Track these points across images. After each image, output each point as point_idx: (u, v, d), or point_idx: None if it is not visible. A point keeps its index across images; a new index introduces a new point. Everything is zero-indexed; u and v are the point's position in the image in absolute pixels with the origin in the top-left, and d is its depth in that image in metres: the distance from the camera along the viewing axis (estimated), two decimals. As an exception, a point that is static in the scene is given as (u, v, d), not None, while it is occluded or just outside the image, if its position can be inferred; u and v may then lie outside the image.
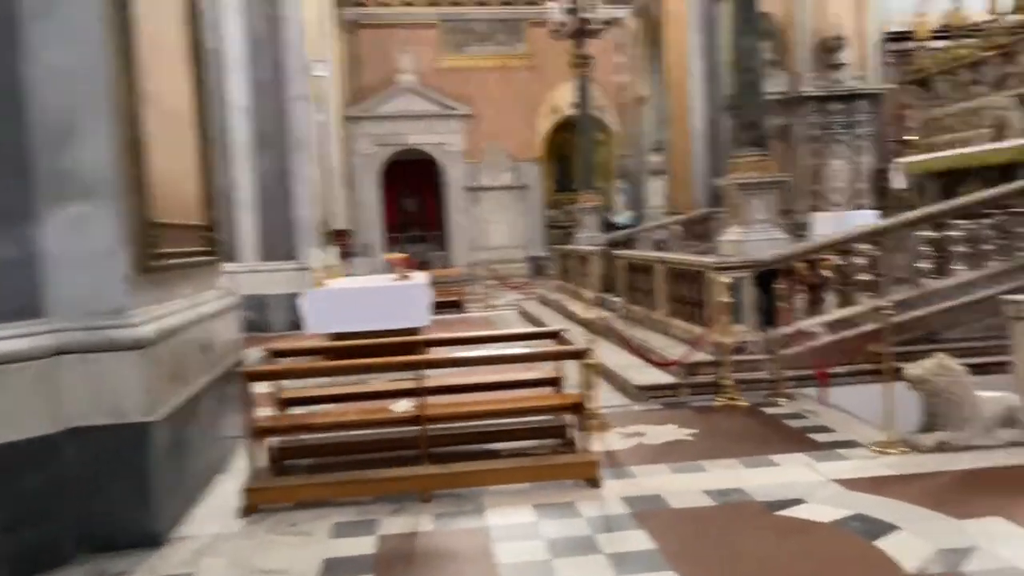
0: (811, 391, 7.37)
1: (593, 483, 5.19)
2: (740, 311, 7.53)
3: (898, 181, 13.58)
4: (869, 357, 7.55)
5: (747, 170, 7.90)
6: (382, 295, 9.42)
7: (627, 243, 15.75)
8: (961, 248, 7.74)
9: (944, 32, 16.70)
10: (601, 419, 6.55)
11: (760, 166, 7.90)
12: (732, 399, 7.24)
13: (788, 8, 16.15)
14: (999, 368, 7.60)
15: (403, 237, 25.29)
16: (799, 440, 6.07)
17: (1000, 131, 11.97)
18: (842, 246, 7.58)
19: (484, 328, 13.61)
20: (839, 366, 7.49)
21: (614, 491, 5.11)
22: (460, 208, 24.92)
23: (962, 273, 7.65)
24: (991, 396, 5.67)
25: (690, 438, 6.26)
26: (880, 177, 16.20)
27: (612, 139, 26.70)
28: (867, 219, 14.34)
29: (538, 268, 23.14)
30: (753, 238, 7.89)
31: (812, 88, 15.73)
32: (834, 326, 7.57)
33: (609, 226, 20.24)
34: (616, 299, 11.33)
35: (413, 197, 26.72)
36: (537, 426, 5.96)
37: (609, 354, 8.45)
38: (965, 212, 7.67)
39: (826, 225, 13.39)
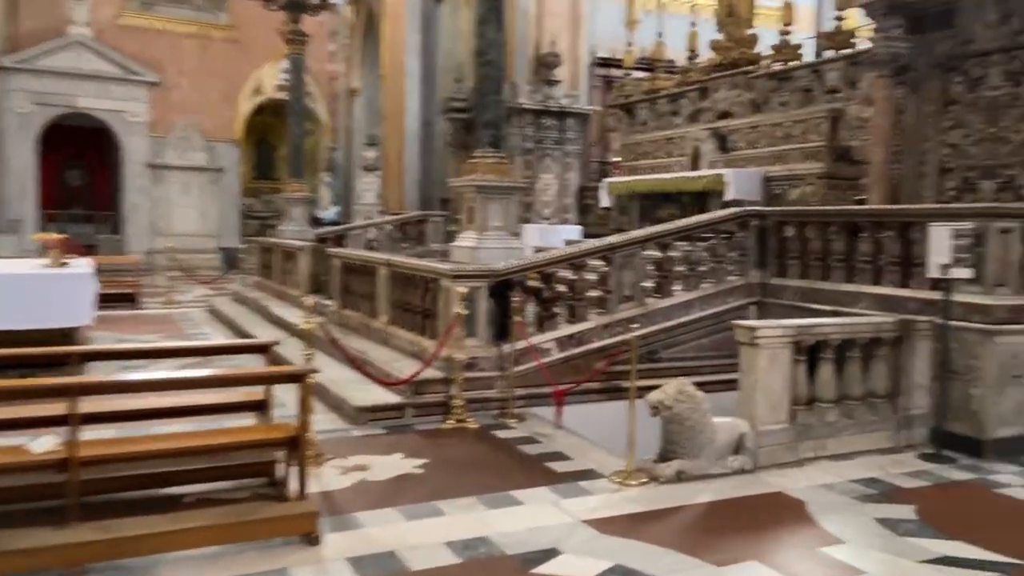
0: (543, 411, 6.94)
1: (311, 539, 4.13)
2: (474, 324, 6.88)
3: (604, 200, 14.04)
4: (595, 375, 7.36)
5: (485, 172, 7.30)
6: (25, 285, 7.36)
7: (338, 240, 14.62)
8: (680, 268, 7.85)
9: (647, 64, 17.89)
10: (316, 449, 5.47)
11: (499, 169, 7.35)
12: (462, 421, 6.55)
13: (510, 17, 16.14)
14: (709, 388, 7.81)
15: (64, 215, 21.56)
16: (538, 470, 5.51)
17: (696, 160, 12.80)
18: (576, 260, 7.28)
19: (164, 329, 11.65)
20: (570, 384, 7.15)
21: (338, 549, 4.10)
22: (139, 187, 21.81)
23: (680, 293, 7.74)
24: (724, 422, 5.56)
25: (420, 471, 5.42)
26: (584, 194, 16.82)
27: (320, 130, 25.25)
28: (572, 233, 14.73)
29: (232, 261, 20.94)
30: (489, 246, 7.30)
31: (529, 101, 15.85)
32: (564, 343, 7.22)
33: (314, 221, 18.84)
34: (328, 302, 10.19)
35: (80, 169, 22.98)
36: (235, 463, 4.72)
37: (322, 366, 7.34)
38: (687, 234, 7.79)
39: (534, 237, 13.41)
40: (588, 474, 5.46)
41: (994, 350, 5.96)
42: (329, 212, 23.12)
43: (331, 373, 7.27)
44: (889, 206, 7.77)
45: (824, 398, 5.96)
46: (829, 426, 5.98)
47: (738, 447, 5.59)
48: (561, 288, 7.36)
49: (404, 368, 7.20)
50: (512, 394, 6.83)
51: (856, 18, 12.68)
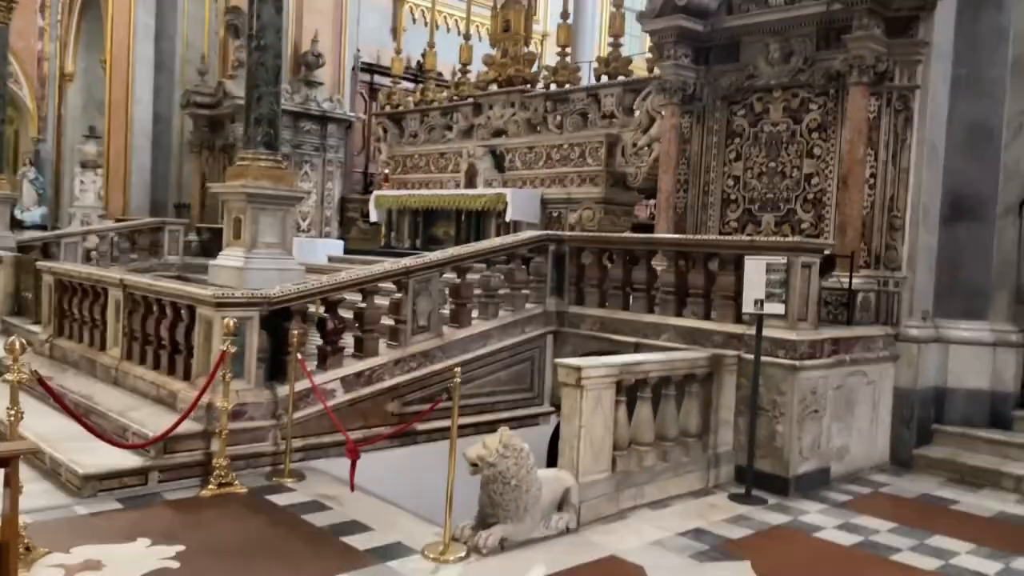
0: (329, 464, 5.87)
1: None
2: (242, 362, 5.64)
3: (372, 214, 13.08)
4: (388, 419, 6.42)
5: (258, 177, 6.10)
6: None
7: (45, 249, 12.19)
8: (478, 294, 7.16)
9: (417, 74, 17.18)
10: (24, 541, 4.01)
11: (274, 174, 6.19)
12: (227, 484, 5.30)
13: (266, 9, 14.66)
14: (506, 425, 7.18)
15: None
16: (332, 550, 4.49)
17: (471, 177, 12.28)
18: (367, 285, 6.30)
19: None
20: (360, 431, 6.15)
21: None
22: None
23: (478, 323, 7.05)
24: (548, 477, 4.91)
25: (175, 563, 4.16)
26: (346, 206, 15.70)
27: (24, 118, 21.61)
28: (333, 249, 13.59)
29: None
30: (260, 266, 6.12)
31: (287, 102, 14.42)
32: (352, 382, 6.20)
33: (13, 223, 15.80)
34: (35, 328, 8.20)
35: None
36: None
37: (28, 414, 5.65)
38: (486, 258, 7.12)
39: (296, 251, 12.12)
40: (396, 550, 4.53)
41: (797, 385, 5.92)
42: (32, 214, 19.74)
43: (42, 425, 5.63)
44: (696, 236, 7.69)
45: (642, 440, 5.54)
46: (647, 471, 5.56)
47: (562, 503, 4.96)
48: (348, 316, 6.33)
49: (146, 418, 5.75)
50: (290, 447, 5.69)
51: (631, 46, 12.93)
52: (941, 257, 7.18)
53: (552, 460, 7.73)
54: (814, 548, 4.95)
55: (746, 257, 5.68)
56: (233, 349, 5.27)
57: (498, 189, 11.27)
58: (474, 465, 4.63)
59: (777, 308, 5.62)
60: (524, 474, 4.66)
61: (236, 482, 5.35)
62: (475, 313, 7.14)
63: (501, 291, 7.29)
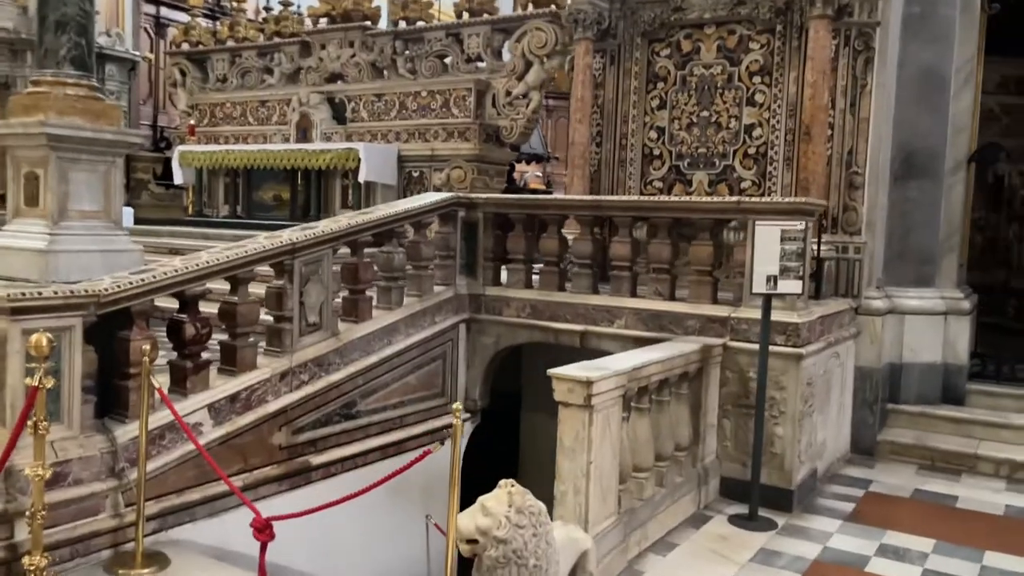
0: (196, 532, 4.05)
1: None
2: (59, 398, 3.63)
3: (177, 174, 10.67)
4: (274, 455, 4.65)
5: (65, 111, 3.99)
6: None
7: None
8: (379, 280, 5.46)
9: (217, 9, 14.53)
10: None
11: (92, 108, 4.09)
12: (49, 598, 3.33)
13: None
14: (415, 442, 5.62)
15: None
16: None
17: (305, 131, 10.28)
18: (239, 271, 4.42)
19: None
20: (239, 476, 4.35)
21: None
22: None
23: (380, 314, 5.37)
24: (563, 540, 3.47)
25: None
26: (134, 166, 12.91)
27: None
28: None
29: None
30: (75, 246, 4.06)
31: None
32: (223, 409, 4.34)
33: None
34: None
35: None
36: None
37: None
38: (387, 229, 5.41)
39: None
40: None
41: (800, 377, 4.89)
42: None
43: None
44: (663, 198, 6.39)
45: (642, 466, 4.24)
46: (648, 504, 4.30)
47: (574, 570, 3.56)
48: (210, 314, 4.42)
49: None
50: (142, 517, 3.78)
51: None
52: (892, 219, 6.50)
53: (465, 483, 6.28)
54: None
55: (757, 223, 4.51)
56: (49, 383, 3.27)
57: (346, 143, 9.41)
58: (471, 542, 3.09)
59: (793, 286, 4.51)
60: (544, 547, 3.19)
61: (62, 590, 3.41)
62: (374, 301, 5.45)
63: (402, 273, 5.64)
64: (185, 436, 4.05)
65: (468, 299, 6.05)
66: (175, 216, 11.46)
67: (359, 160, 8.92)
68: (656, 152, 6.92)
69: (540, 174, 16.02)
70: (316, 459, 4.88)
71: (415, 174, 9.39)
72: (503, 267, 6.15)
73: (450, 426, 5.67)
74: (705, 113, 6.68)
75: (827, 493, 5.28)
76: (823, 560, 4.20)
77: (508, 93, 8.99)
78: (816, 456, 5.36)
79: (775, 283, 4.48)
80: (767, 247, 4.46)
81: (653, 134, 6.92)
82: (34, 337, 3.23)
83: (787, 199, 5.16)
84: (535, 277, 6.04)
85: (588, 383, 3.60)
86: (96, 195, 4.21)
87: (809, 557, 4.23)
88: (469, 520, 3.09)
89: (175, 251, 7.54)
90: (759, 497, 4.77)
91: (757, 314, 4.89)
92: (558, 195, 6.68)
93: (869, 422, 6.15)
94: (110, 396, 4.02)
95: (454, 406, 3.10)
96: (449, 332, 5.92)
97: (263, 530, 3.34)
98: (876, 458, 6.06)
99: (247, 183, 10.29)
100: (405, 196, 9.47)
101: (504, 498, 3.13)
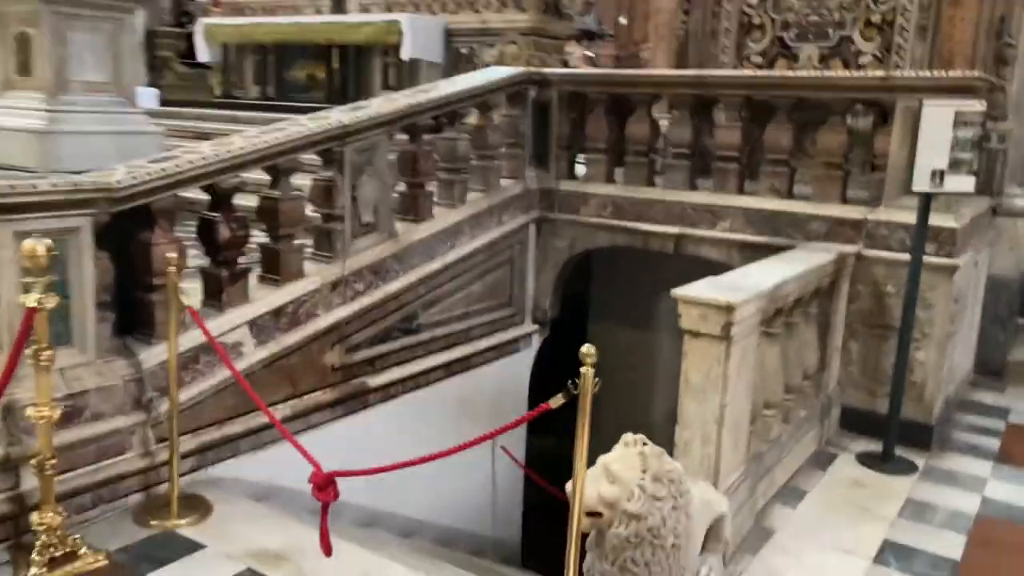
0: (240, 468, 3.45)
1: None
2: (67, 316, 2.94)
3: (201, 52, 9.74)
4: (328, 377, 3.99)
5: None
6: None
7: None
8: (440, 172, 4.63)
9: None
10: None
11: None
12: (65, 557, 2.74)
13: None
14: (481, 360, 4.95)
15: None
16: None
17: (340, 0, 9.23)
18: (281, 161, 3.62)
19: None
20: (287, 403, 3.71)
21: None
22: None
23: (442, 212, 4.57)
24: (699, 503, 2.76)
25: None
26: (156, 42, 11.93)
27: None
28: (145, 99, 10.16)
29: None
30: (79, 126, 3.25)
31: None
32: (267, 326, 3.64)
33: None
34: None
35: None
36: None
37: None
38: (451, 111, 4.54)
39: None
40: None
41: (950, 293, 4.07)
42: None
43: None
44: (786, 73, 5.38)
45: (771, 401, 3.51)
46: (775, 446, 3.58)
47: (706, 540, 2.87)
48: (248, 213, 3.66)
49: None
50: (177, 455, 3.15)
51: None
52: (1041, 102, 5.45)
53: (533, 400, 5.64)
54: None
55: (926, 103, 3.57)
56: (51, 302, 2.55)
57: (387, 15, 8.39)
58: (592, 515, 2.39)
59: (964, 183, 3.62)
60: (684, 522, 2.49)
61: (83, 547, 2.80)
62: (435, 198, 4.65)
63: (466, 164, 4.80)
64: (219, 356, 3.36)
65: (539, 195, 5.22)
66: (201, 98, 10.59)
67: (401, 34, 7.92)
68: (756, 21, 5.88)
69: (590, 54, 14.73)
70: (374, 380, 4.21)
71: (463, 51, 8.38)
72: (579, 158, 5.28)
73: (516, 340, 5.02)
74: (820, -27, 5.59)
75: (963, 425, 4.55)
76: (988, 515, 3.49)
77: (571, -46, 7.84)
78: (950, 381, 4.59)
79: (941, 179, 3.59)
80: (935, 133, 3.55)
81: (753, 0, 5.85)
82: (26, 244, 2.51)
83: (952, 73, 4.19)
84: (617, 171, 5.18)
85: (728, 308, 2.82)
86: (102, 61, 3.39)
87: (969, 511, 3.52)
88: (591, 487, 2.39)
89: (202, 136, 6.74)
90: (889, 432, 4.03)
91: (901, 216, 4.04)
92: (658, 71, 5.65)
93: (1000, 340, 5.34)
94: (132, 312, 3.33)
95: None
96: (518, 233, 5.13)
97: (324, 488, 2.67)
98: (1006, 380, 5.29)
99: (278, 61, 9.33)
100: (453, 75, 8.54)
101: (635, 461, 2.41)
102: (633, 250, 4.99)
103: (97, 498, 3.09)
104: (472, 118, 4.88)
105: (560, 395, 2.21)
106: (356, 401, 4.13)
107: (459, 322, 4.77)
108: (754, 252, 4.44)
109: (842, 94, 4.24)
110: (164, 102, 9.82)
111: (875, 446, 4.06)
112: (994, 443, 4.30)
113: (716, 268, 4.68)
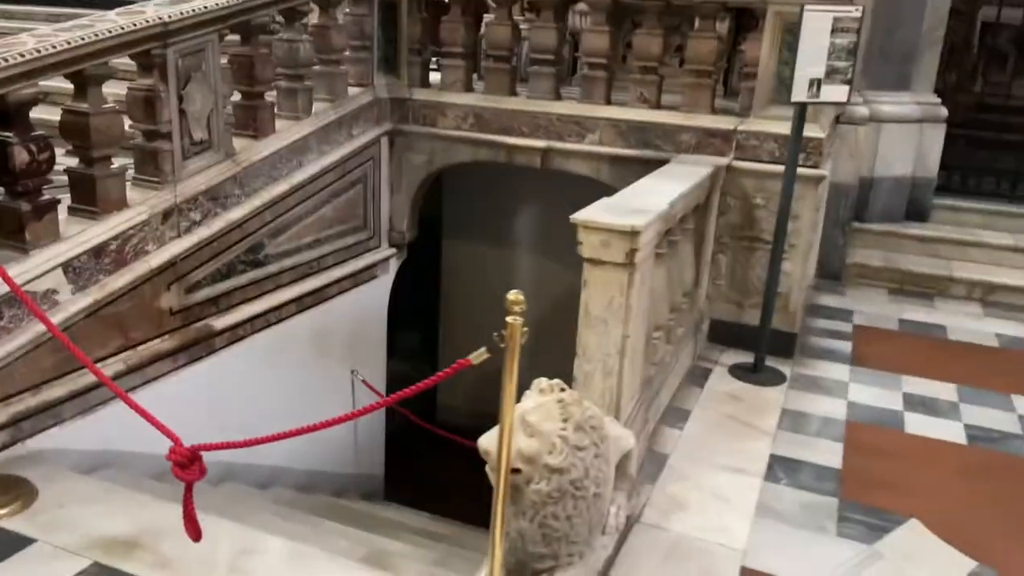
0: (67, 436, 2.94)
1: None
2: None
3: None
4: (165, 322, 3.47)
5: None
6: None
7: None
8: (279, 80, 4.03)
9: None
10: None
11: None
12: None
13: None
14: (333, 292, 4.53)
15: None
16: None
17: None
18: (85, 65, 2.92)
19: None
20: (119, 356, 3.18)
21: None
22: None
23: (286, 126, 4.01)
24: (611, 443, 2.59)
25: None
26: None
27: None
28: None
29: None
30: None
31: None
32: (86, 268, 3.04)
33: None
34: None
35: None
36: None
37: None
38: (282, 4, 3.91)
39: None
40: None
41: (815, 203, 4.12)
42: None
43: None
44: None
45: (659, 323, 3.40)
46: (661, 368, 3.50)
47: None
48: (48, 137, 2.98)
49: None
50: (-15, 437, 2.58)
51: None
52: (879, 8, 5.56)
53: (392, 327, 5.28)
54: (940, 456, 3.40)
55: (807, 8, 3.44)
56: None
57: None
58: (514, 471, 2.16)
59: (839, 92, 3.58)
60: (605, 469, 2.32)
61: None
62: (276, 109, 4.08)
63: (313, 67, 4.24)
64: (36, 306, 2.76)
65: (390, 104, 4.75)
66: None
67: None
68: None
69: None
70: (219, 321, 3.72)
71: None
72: (433, 64, 4.84)
73: (373, 266, 4.65)
74: None
75: (816, 330, 4.72)
76: (856, 420, 3.62)
77: None
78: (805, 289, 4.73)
79: (818, 89, 3.53)
80: (813, 40, 3.45)
81: None
82: None
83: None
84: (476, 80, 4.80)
85: (633, 234, 2.60)
86: None
87: (839, 417, 3.64)
88: (512, 444, 2.13)
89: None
90: (751, 342, 4.09)
91: (771, 127, 4.00)
92: None
93: (839, 243, 5.58)
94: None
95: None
96: (370, 148, 4.66)
97: (188, 466, 2.24)
98: (844, 283, 5.56)
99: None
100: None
101: (554, 409, 2.19)
102: (486, 163, 4.68)
103: None
104: (312, 17, 4.29)
105: (483, 349, 1.90)
106: (200, 347, 3.63)
107: (310, 250, 4.30)
108: (624, 166, 4.29)
109: (714, -2, 4.06)
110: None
111: (744, 357, 4.11)
112: (846, 346, 4.49)
113: (576, 182, 4.49)
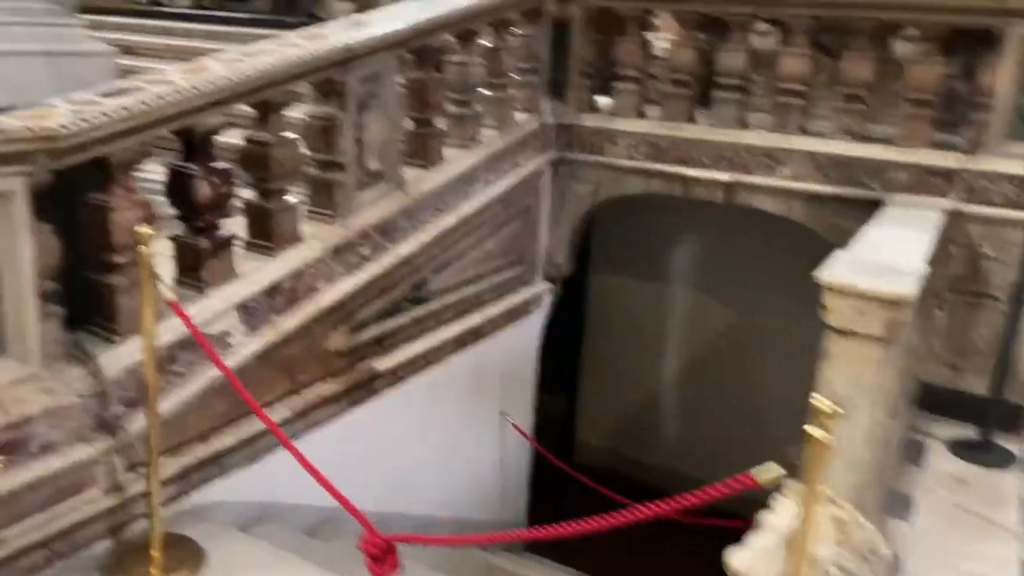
0: (232, 489, 2.74)
1: None
2: (1, 318, 2.09)
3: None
4: (331, 365, 3.24)
5: None
6: None
7: None
8: (452, 106, 3.79)
9: None
10: None
11: None
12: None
13: None
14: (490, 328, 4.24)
15: None
16: None
17: None
18: (269, 92, 2.73)
19: None
20: (284, 401, 2.96)
21: None
22: None
23: (454, 155, 3.76)
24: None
25: None
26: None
27: None
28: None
29: None
30: (5, 47, 2.30)
31: None
32: (259, 308, 2.83)
33: None
34: None
35: None
36: None
37: None
38: (466, 28, 3.67)
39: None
40: None
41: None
42: None
43: None
44: None
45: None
46: (889, 451, 3.02)
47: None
48: (229, 167, 2.79)
49: None
50: (156, 488, 2.37)
51: None
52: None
53: (543, 364, 4.96)
54: None
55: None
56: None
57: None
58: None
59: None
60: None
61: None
62: (451, 137, 3.82)
63: (485, 93, 3.98)
64: (203, 349, 2.56)
65: (555, 131, 4.44)
66: (120, 5, 9.21)
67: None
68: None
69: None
70: (382, 363, 3.47)
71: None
72: (610, 85, 4.50)
73: (527, 303, 4.33)
74: None
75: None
76: None
77: None
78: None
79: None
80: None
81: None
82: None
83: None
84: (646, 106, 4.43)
85: (896, 303, 2.17)
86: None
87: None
88: (763, 565, 1.75)
89: (128, 51, 5.68)
90: (979, 414, 3.54)
91: (1007, 166, 3.48)
92: None
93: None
94: (84, 298, 2.47)
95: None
96: (534, 177, 4.36)
97: (382, 558, 1.95)
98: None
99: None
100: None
101: (829, 530, 1.78)
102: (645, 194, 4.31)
103: (52, 555, 2.31)
104: (484, 38, 4.03)
105: (771, 465, 1.51)
106: (363, 390, 3.39)
107: (471, 285, 4.03)
108: (821, 205, 3.84)
109: (942, 17, 3.56)
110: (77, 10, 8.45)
111: (960, 430, 3.58)
112: (1078, 420, 3.86)
113: (760, 219, 4.07)
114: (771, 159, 3.95)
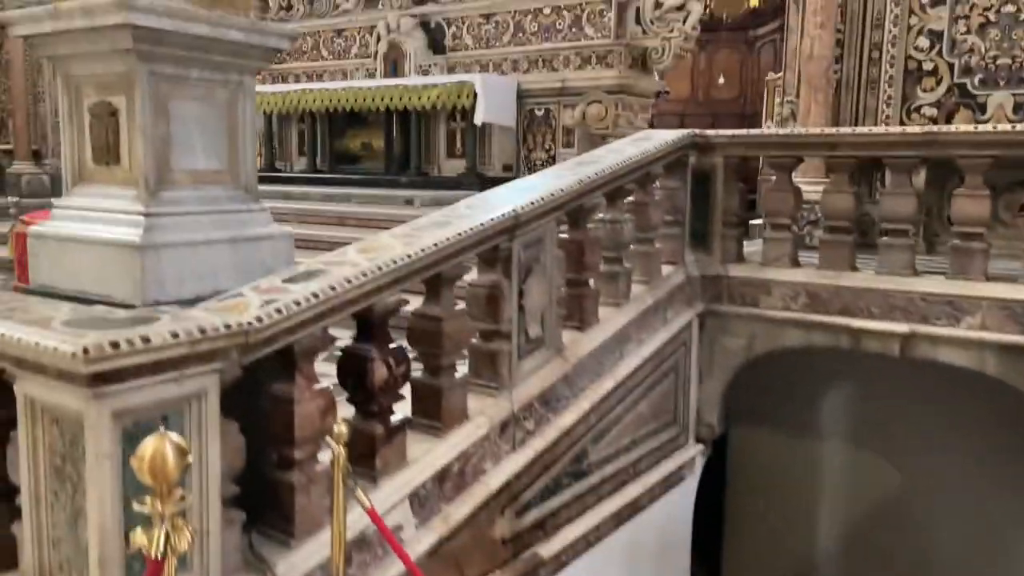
0: None
1: None
2: (202, 537, 1.90)
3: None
4: (498, 555, 2.94)
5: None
6: None
7: None
8: (603, 264, 3.65)
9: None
10: None
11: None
12: None
13: None
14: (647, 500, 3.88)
15: None
16: None
17: (394, 62, 8.42)
18: (443, 266, 2.63)
19: None
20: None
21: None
22: None
23: (607, 314, 3.57)
24: None
25: None
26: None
27: None
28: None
29: None
30: (188, 235, 2.27)
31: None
32: (431, 497, 2.60)
33: None
34: None
35: None
36: None
37: None
38: (616, 187, 3.58)
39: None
40: None
41: None
42: None
43: None
44: None
45: None
46: None
47: None
48: (403, 347, 2.65)
49: None
50: None
51: None
52: None
53: (703, 548, 4.56)
54: None
55: None
56: (182, 542, 1.53)
57: (457, 76, 7.53)
58: None
59: None
60: None
61: None
62: (604, 297, 3.65)
63: (632, 248, 3.83)
64: (381, 553, 2.31)
65: (701, 283, 4.23)
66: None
67: (475, 96, 7.06)
68: (927, 66, 4.97)
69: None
70: (545, 549, 3.16)
71: (539, 112, 7.56)
72: (758, 234, 4.32)
73: (680, 468, 3.97)
74: (1011, 7, 4.71)
75: None
76: None
77: (658, 4, 7.05)
78: None
79: None
80: None
81: (923, 41, 4.96)
82: (148, 449, 1.48)
83: None
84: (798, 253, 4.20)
85: None
86: (216, 142, 2.40)
87: None
88: None
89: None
90: None
91: None
92: (843, 128, 4.70)
93: None
94: (257, 496, 2.28)
95: None
96: (683, 333, 4.12)
97: None
98: None
99: (327, 130, 8.44)
100: (526, 140, 7.68)
101: None
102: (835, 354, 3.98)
103: None
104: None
105: None
106: (526, 580, 3.07)
107: (627, 453, 3.73)
108: (1019, 356, 3.45)
109: None
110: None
111: None
112: None
113: (935, 372, 3.70)
114: (953, 308, 3.63)
